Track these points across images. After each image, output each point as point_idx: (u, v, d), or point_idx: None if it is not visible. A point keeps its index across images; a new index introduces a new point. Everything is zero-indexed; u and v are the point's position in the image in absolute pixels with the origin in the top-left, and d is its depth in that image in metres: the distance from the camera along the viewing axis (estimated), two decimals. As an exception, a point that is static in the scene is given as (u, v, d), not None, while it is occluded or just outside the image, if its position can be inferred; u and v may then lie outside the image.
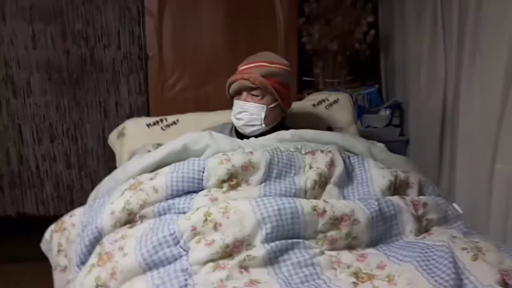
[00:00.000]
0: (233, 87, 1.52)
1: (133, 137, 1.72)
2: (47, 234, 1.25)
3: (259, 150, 1.33)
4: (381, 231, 1.15)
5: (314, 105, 1.86)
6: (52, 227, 1.25)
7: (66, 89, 2.64)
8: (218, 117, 1.76)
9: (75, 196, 2.76)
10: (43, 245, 1.26)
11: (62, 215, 1.28)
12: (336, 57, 2.43)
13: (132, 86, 2.70)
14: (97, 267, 1.05)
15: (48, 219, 1.33)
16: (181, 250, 1.05)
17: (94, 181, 2.67)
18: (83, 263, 1.12)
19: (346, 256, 1.08)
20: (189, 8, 2.42)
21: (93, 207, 1.23)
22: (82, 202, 1.37)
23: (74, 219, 1.22)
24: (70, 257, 1.17)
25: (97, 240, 1.13)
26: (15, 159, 2.68)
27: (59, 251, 1.21)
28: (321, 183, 1.28)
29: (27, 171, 2.70)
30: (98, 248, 1.10)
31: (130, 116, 2.66)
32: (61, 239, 1.21)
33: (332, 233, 1.10)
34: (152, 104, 2.48)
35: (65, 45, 2.60)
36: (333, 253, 1.08)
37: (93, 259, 1.08)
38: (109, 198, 1.22)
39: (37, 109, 2.64)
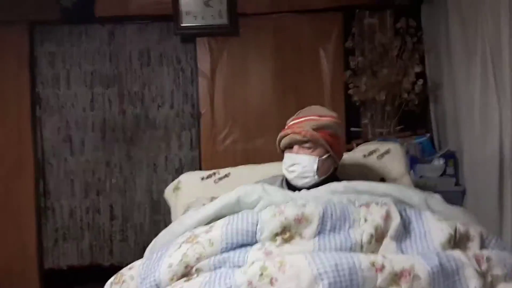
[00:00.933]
0: (284, 141, 1.55)
1: (188, 190, 1.77)
2: (106, 287, 1.29)
3: (312, 202, 1.33)
4: (443, 287, 1.09)
5: (364, 155, 1.84)
6: (111, 279, 1.28)
7: (118, 146, 2.80)
8: (268, 169, 1.79)
9: (114, 246, 2.81)
10: (103, 297, 1.30)
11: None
12: (385, 107, 2.44)
13: (184, 141, 2.82)
14: (156, 320, 1.06)
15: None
16: (238, 305, 1.04)
17: (138, 233, 2.77)
18: (142, 316, 1.13)
19: (409, 313, 1.03)
20: (239, 68, 2.59)
21: (151, 260, 1.26)
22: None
23: (133, 271, 1.25)
24: (129, 309, 1.19)
25: (155, 293, 1.16)
26: (67, 213, 2.82)
27: (118, 303, 1.23)
28: (378, 237, 1.24)
29: (74, 224, 2.82)
30: (156, 302, 1.12)
31: (179, 170, 2.76)
32: (121, 291, 1.24)
33: (392, 290, 1.06)
34: (204, 158, 2.61)
35: (122, 106, 2.79)
36: (395, 310, 1.04)
37: (152, 312, 1.09)
38: (167, 251, 1.24)
39: (88, 165, 2.81)
